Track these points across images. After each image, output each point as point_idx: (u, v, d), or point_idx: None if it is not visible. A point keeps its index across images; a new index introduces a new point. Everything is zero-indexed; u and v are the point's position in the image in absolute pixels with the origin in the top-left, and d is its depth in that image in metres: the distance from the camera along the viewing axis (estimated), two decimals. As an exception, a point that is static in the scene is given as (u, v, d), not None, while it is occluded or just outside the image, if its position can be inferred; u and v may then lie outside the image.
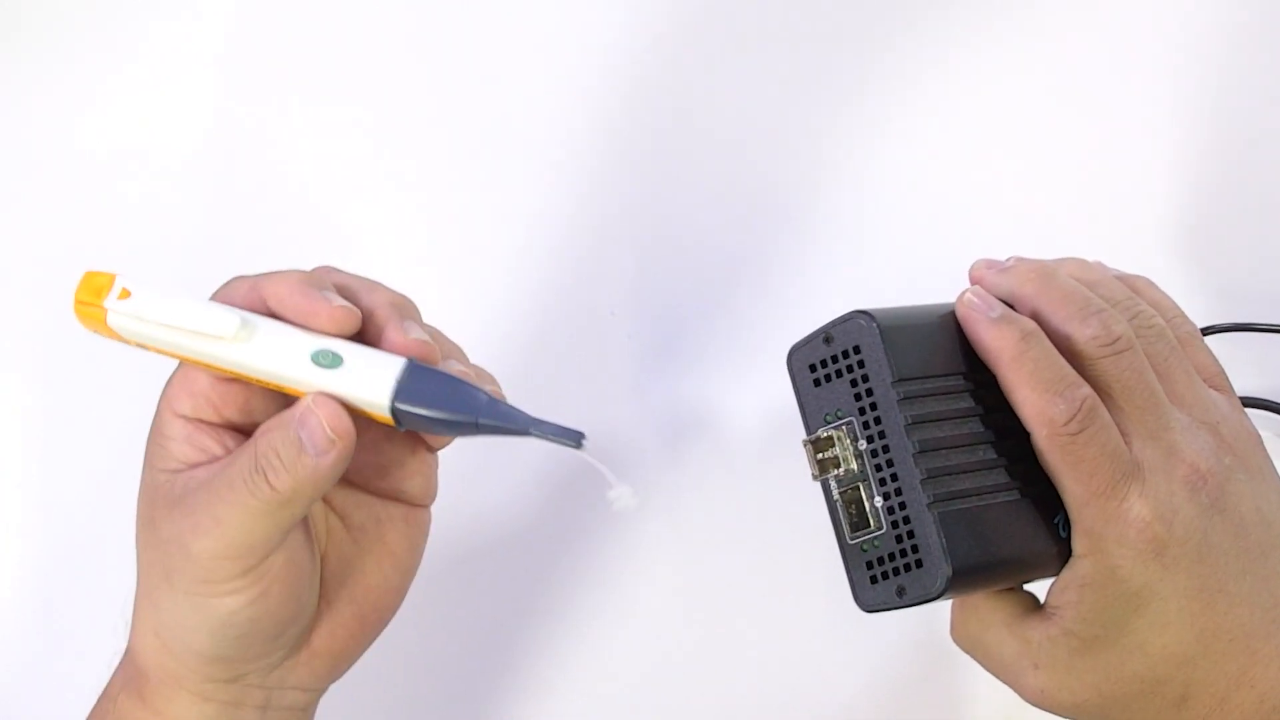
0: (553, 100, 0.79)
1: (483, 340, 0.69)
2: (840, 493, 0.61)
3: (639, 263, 0.78)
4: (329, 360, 0.57)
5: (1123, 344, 0.62)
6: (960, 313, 0.62)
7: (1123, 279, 0.68)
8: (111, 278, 0.58)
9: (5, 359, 0.77)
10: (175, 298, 0.58)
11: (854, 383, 0.61)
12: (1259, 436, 0.66)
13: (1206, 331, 0.76)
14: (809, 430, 0.62)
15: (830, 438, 0.61)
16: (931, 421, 0.61)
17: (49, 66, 0.77)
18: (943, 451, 0.61)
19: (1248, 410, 0.76)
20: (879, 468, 0.60)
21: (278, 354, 0.58)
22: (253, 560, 0.59)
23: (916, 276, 0.78)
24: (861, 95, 0.80)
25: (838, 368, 0.61)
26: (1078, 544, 0.61)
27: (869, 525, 0.61)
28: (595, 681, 0.75)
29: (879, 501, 0.60)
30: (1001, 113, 0.81)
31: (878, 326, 0.61)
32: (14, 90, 0.77)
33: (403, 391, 0.57)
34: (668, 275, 0.78)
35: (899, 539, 0.60)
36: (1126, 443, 0.61)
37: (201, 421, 0.60)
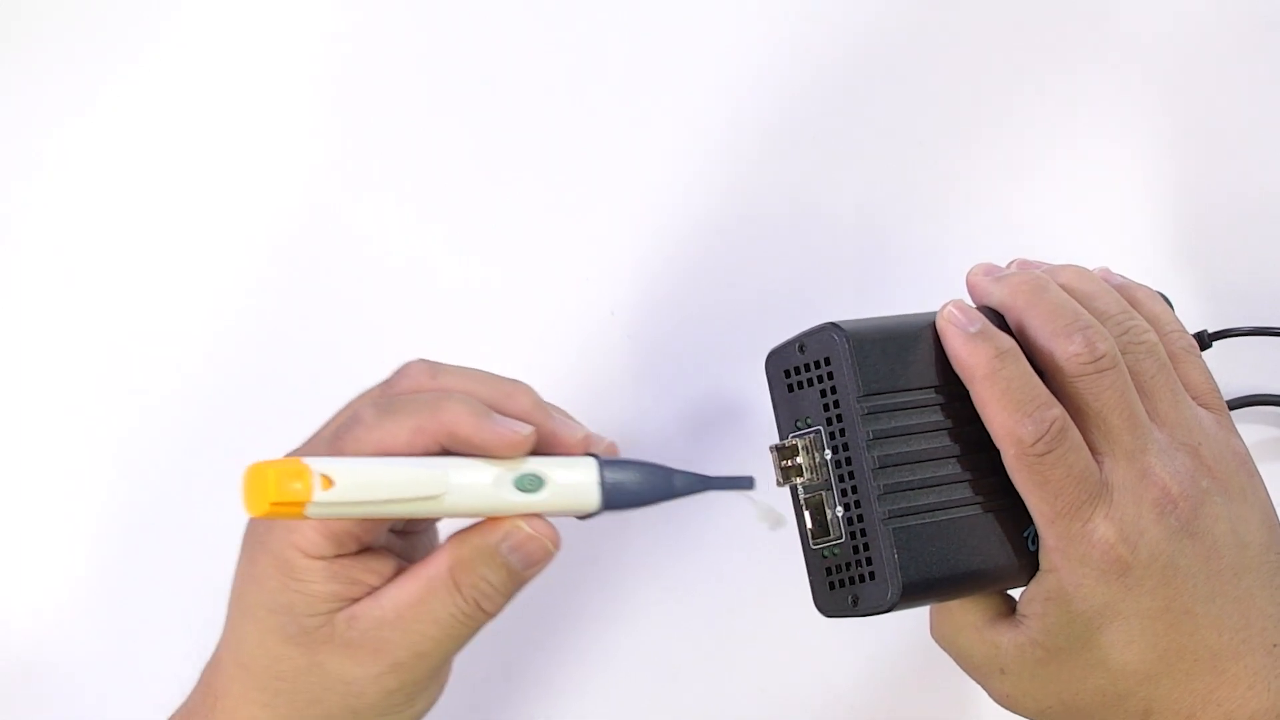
0: (549, 100, 0.79)
1: (482, 340, 0.71)
2: (805, 498, 0.63)
3: (640, 262, 0.78)
4: (533, 484, 0.58)
5: (1105, 362, 0.62)
6: (939, 325, 0.63)
7: (1124, 289, 0.67)
8: (304, 469, 0.55)
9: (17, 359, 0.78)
10: (376, 472, 0.56)
11: (823, 393, 0.62)
12: (1245, 456, 0.65)
13: (1224, 335, 0.75)
14: (780, 434, 0.64)
15: (795, 445, 0.63)
16: (898, 436, 0.62)
17: (50, 67, 0.78)
18: (906, 466, 0.61)
19: (1264, 408, 0.75)
20: (841, 479, 0.62)
21: (483, 495, 0.57)
22: (441, 675, 0.62)
23: (918, 278, 0.77)
24: (863, 97, 0.79)
25: (809, 376, 0.63)
26: (1044, 559, 0.62)
27: (829, 533, 0.62)
28: (591, 680, 0.77)
29: (839, 512, 0.62)
30: (1003, 115, 0.80)
31: (848, 340, 0.61)
32: (15, 90, 0.78)
33: (609, 495, 0.59)
34: (667, 275, 0.78)
35: (855, 550, 0.61)
36: (1099, 462, 0.62)
37: (340, 556, 0.59)
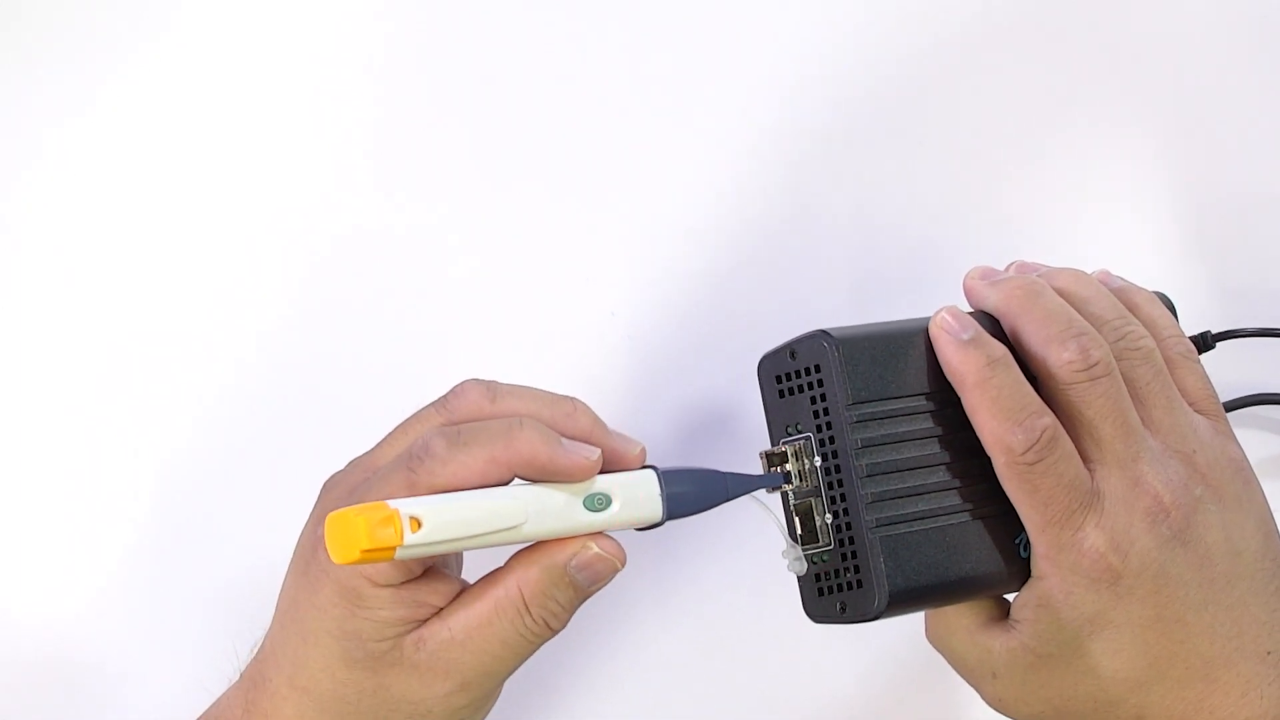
0: (550, 103, 0.79)
1: (483, 340, 0.71)
2: (795, 504, 0.63)
3: (640, 264, 0.78)
4: (602, 503, 0.59)
5: (1099, 370, 0.62)
6: (932, 332, 0.63)
7: (1122, 292, 0.67)
8: (393, 514, 0.54)
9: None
10: (461, 509, 0.56)
11: (813, 400, 0.62)
12: (1242, 462, 0.65)
13: (1228, 336, 0.75)
14: (772, 439, 0.64)
15: (785, 451, 0.63)
16: (888, 444, 0.61)
17: (50, 67, 0.79)
18: (895, 475, 0.61)
19: (1267, 407, 0.75)
20: (830, 486, 0.62)
21: (558, 518, 0.58)
22: (500, 688, 0.63)
23: (916, 280, 0.77)
24: (863, 98, 0.79)
25: (800, 383, 0.62)
26: (1035, 566, 0.62)
27: (818, 540, 0.62)
28: (590, 682, 0.77)
29: (828, 519, 0.62)
30: (1003, 114, 0.80)
31: (838, 348, 0.61)
32: (16, 90, 0.79)
33: (671, 505, 0.60)
34: (668, 277, 0.78)
35: (844, 557, 0.61)
36: (1091, 470, 0.61)
37: (407, 581, 0.59)
